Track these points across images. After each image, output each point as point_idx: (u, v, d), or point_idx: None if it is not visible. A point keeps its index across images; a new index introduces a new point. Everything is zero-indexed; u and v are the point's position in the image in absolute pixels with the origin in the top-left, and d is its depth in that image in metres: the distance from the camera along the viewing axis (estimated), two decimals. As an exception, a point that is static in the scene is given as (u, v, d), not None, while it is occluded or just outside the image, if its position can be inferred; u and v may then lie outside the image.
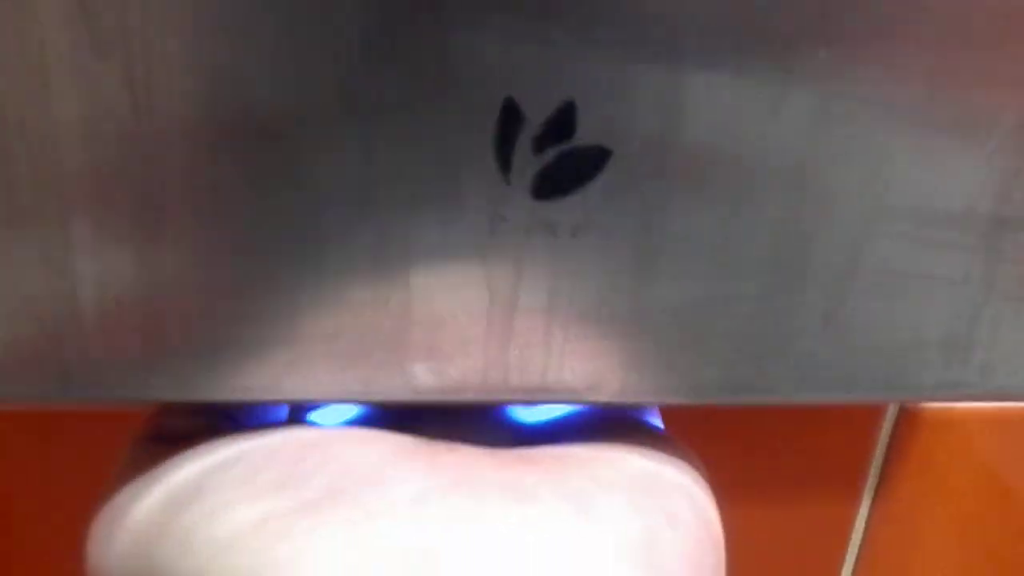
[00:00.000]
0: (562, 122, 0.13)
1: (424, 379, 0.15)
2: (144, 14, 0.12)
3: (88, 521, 0.15)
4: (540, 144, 0.13)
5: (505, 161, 0.13)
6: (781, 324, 0.15)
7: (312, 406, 0.17)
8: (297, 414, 0.17)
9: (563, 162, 0.14)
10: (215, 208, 0.13)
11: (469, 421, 0.17)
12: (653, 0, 0.13)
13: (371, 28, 0.12)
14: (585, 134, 0.13)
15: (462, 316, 0.14)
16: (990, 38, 0.14)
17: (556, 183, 0.14)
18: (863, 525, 0.36)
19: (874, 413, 0.33)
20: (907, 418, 0.34)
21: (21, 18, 0.12)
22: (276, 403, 0.16)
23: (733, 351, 0.15)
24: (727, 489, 0.35)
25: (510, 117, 0.13)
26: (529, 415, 0.18)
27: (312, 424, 0.16)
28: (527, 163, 0.14)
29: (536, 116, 0.13)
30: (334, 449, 0.15)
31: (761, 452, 0.33)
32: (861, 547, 0.36)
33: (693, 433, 0.31)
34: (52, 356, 0.14)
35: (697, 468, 0.18)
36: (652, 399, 0.16)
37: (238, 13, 0.12)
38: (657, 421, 0.20)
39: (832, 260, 0.15)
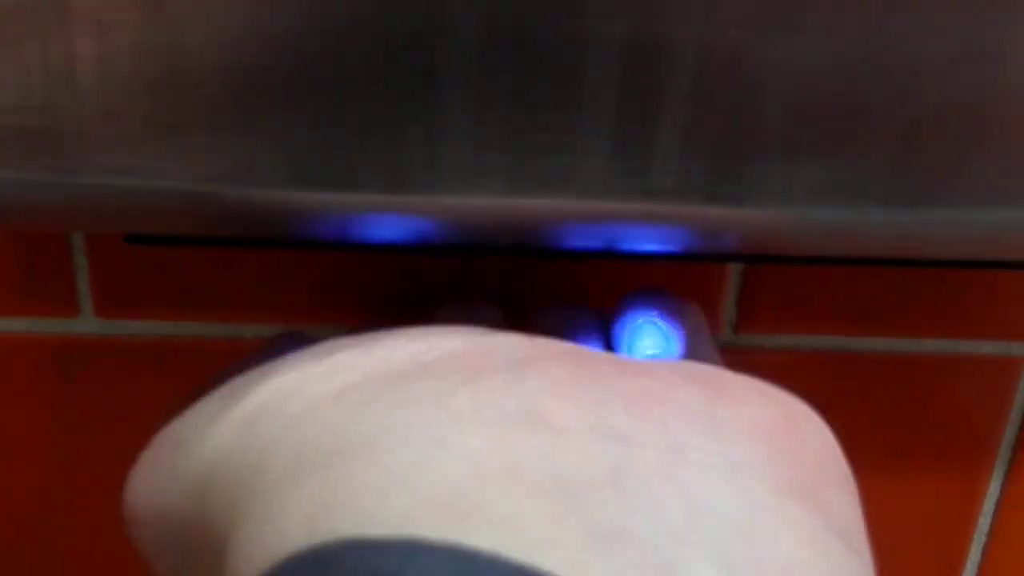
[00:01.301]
0: None
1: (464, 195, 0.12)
2: None
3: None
4: None
5: None
6: (966, 107, 0.12)
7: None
8: None
9: None
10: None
11: None
12: None
13: None
14: None
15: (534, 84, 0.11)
16: None
17: None
18: (993, 504, 0.31)
19: (1010, 366, 0.28)
20: (1051, 372, 0.29)
21: None
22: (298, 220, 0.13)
23: (900, 142, 0.12)
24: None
25: None
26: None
27: None
28: None
29: None
30: (421, 331, 0.12)
31: (875, 415, 0.29)
32: (991, 530, 0.31)
33: (806, 393, 0.27)
34: (45, 129, 0.11)
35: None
36: (796, 202, 0.12)
37: None
38: None
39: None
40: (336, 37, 0.11)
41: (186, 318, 0.23)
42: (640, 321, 0.15)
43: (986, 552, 0.31)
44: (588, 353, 0.12)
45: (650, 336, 0.15)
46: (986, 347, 0.27)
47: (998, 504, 0.31)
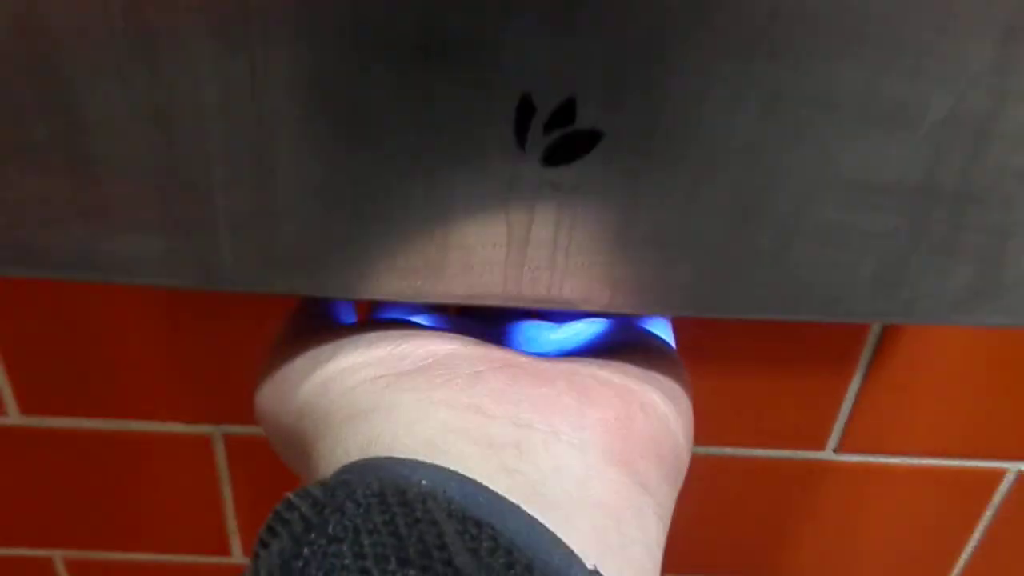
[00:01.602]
0: (565, 112, 0.17)
1: (459, 288, 0.20)
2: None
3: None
4: (548, 128, 0.18)
5: (521, 139, 0.18)
6: (739, 259, 0.20)
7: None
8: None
9: (565, 141, 0.18)
10: (315, 165, 0.18)
11: (515, 343, 0.23)
12: (638, 26, 0.16)
13: (430, 40, 0.17)
14: (583, 121, 0.18)
15: (488, 245, 0.19)
16: (919, 46, 0.17)
17: (560, 156, 0.18)
18: (855, 392, 0.41)
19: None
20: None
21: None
22: (357, 300, 0.22)
23: (700, 276, 0.20)
24: (733, 357, 0.40)
25: (526, 108, 0.17)
26: (557, 335, 0.24)
27: (411, 322, 0.23)
28: (538, 141, 0.18)
29: (545, 108, 0.17)
30: (423, 339, 0.21)
31: (764, 327, 0.38)
32: (852, 411, 0.41)
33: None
34: (198, 257, 0.20)
35: (677, 380, 0.23)
36: (632, 311, 0.21)
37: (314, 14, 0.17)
38: (667, 333, 0.25)
39: (781, 214, 0.19)
40: (359, 200, 0.19)
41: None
42: None
43: (847, 425, 0.42)
44: (521, 365, 0.20)
45: None
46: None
47: (857, 394, 0.41)
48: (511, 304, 0.20)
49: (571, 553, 0.17)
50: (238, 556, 0.46)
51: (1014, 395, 0.40)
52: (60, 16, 0.16)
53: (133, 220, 0.19)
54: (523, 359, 0.21)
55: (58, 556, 0.46)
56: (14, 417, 0.41)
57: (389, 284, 0.20)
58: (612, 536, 0.18)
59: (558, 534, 0.17)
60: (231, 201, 0.19)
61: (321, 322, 0.24)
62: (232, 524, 0.45)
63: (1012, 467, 0.43)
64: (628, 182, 0.18)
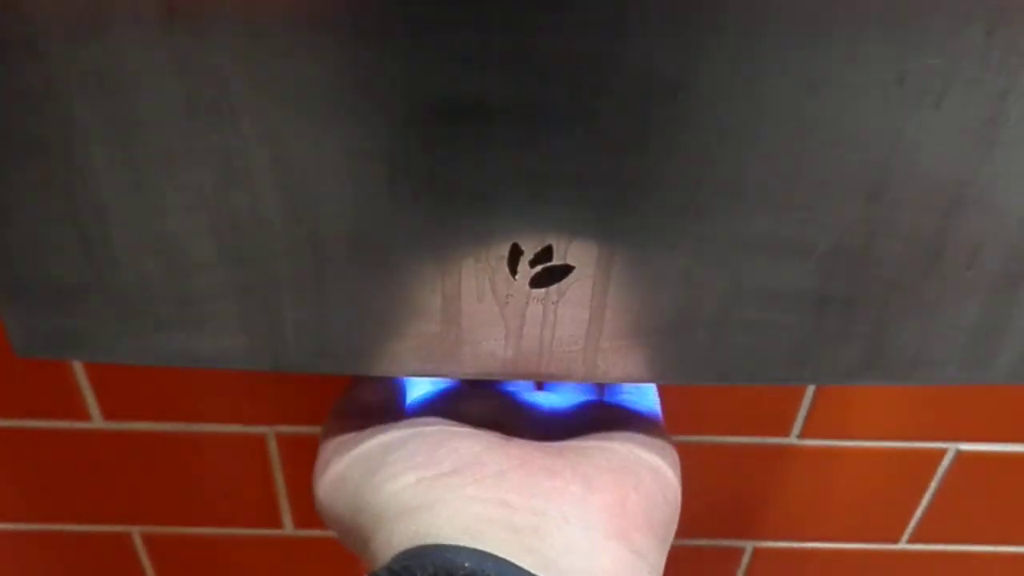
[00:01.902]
0: (545, 254, 0.24)
1: (469, 368, 0.27)
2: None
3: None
4: (532, 263, 0.24)
5: (513, 271, 0.24)
6: (683, 346, 0.26)
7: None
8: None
9: (546, 272, 0.24)
10: (357, 288, 0.25)
11: (528, 418, 0.29)
12: (594, 201, 0.22)
13: (445, 209, 0.23)
14: (558, 258, 0.24)
15: (491, 340, 0.26)
16: (804, 205, 0.23)
17: (542, 281, 0.24)
18: (813, 387, 0.47)
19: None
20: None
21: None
22: (397, 376, 0.28)
23: (652, 357, 0.26)
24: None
25: (516, 251, 0.24)
26: (558, 403, 0.30)
27: (442, 420, 0.28)
28: (525, 272, 0.24)
29: (530, 250, 0.23)
30: (455, 443, 0.27)
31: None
32: (812, 401, 0.47)
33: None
34: (270, 351, 0.26)
35: (666, 446, 0.29)
36: (603, 381, 0.27)
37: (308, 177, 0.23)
38: (654, 403, 0.31)
39: (713, 315, 0.25)
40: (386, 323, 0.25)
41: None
42: None
43: (809, 413, 0.48)
44: (535, 461, 0.25)
45: None
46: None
47: (816, 387, 0.47)
48: (508, 378, 0.27)
49: None
50: (289, 528, 0.54)
51: (952, 386, 0.46)
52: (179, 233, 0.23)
53: (223, 327, 0.26)
54: (537, 454, 0.26)
55: (135, 531, 0.54)
56: (98, 422, 0.48)
57: (416, 366, 0.27)
58: None
59: None
60: (296, 312, 0.25)
61: (364, 415, 0.29)
62: (284, 503, 0.53)
63: (951, 446, 0.49)
64: (594, 298, 0.25)
